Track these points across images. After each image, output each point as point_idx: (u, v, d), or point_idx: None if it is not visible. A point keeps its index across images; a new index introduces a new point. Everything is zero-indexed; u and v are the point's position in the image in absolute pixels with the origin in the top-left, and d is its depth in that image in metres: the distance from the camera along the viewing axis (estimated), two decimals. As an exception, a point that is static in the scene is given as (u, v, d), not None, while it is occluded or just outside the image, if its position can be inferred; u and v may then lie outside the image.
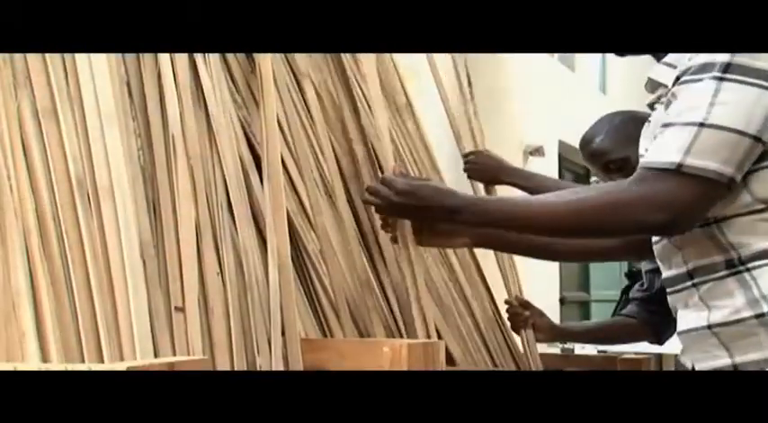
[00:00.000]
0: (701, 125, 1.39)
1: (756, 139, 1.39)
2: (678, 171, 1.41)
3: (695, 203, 1.43)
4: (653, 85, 1.56)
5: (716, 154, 1.39)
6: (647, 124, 1.57)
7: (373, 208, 1.80)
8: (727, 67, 1.39)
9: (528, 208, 1.61)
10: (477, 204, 1.67)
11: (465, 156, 2.56)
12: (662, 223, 1.45)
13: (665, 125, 1.43)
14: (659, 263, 1.59)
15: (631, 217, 1.46)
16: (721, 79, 1.39)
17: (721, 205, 1.45)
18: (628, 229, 1.54)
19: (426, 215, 1.72)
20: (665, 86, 1.50)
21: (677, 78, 1.45)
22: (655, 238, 1.59)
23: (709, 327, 1.47)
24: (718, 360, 1.47)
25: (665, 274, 1.57)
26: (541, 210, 1.58)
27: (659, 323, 2.48)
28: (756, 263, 1.43)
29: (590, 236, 1.76)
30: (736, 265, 1.44)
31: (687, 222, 1.47)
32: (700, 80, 1.41)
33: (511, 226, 1.69)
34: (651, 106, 1.58)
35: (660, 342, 2.54)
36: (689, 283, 1.51)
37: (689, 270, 1.51)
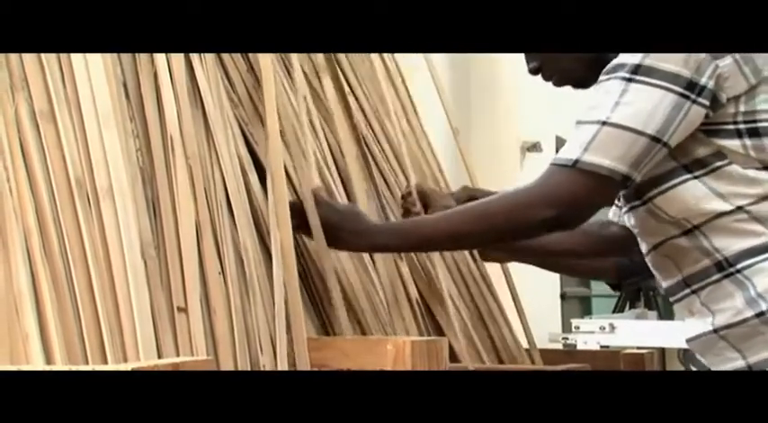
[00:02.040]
0: (603, 123, 1.43)
1: (655, 139, 1.41)
2: (574, 167, 1.44)
3: (586, 198, 1.47)
4: None
5: (611, 151, 1.42)
6: None
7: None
8: (636, 69, 1.42)
9: (437, 223, 1.61)
10: (394, 228, 1.69)
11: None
12: (551, 218, 1.48)
13: (577, 122, 1.47)
14: (656, 274, 1.60)
15: (528, 214, 1.49)
16: (630, 80, 1.42)
17: (697, 212, 1.46)
18: (528, 226, 1.53)
19: (341, 239, 1.68)
20: None
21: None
22: (644, 250, 1.59)
23: (715, 331, 1.47)
24: (733, 362, 1.47)
25: (664, 284, 1.58)
26: (450, 221, 1.59)
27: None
28: (745, 262, 1.44)
29: (500, 238, 1.68)
30: (726, 268, 1.45)
31: (577, 217, 1.50)
32: (610, 80, 1.44)
33: (428, 245, 1.70)
34: None
35: (617, 287, 2.55)
36: (688, 291, 1.52)
37: (684, 278, 1.52)
